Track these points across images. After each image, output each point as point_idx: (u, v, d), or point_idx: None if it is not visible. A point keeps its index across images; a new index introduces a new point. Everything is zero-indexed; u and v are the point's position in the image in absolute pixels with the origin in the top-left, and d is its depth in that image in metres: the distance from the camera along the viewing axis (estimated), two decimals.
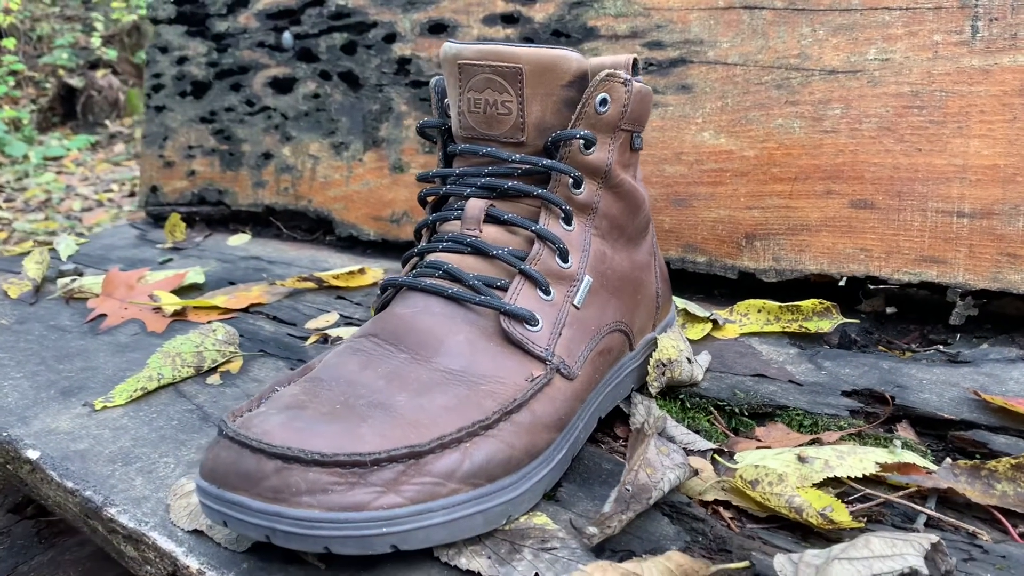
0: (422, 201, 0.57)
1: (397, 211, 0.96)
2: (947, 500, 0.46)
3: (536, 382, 0.47)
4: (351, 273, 0.90)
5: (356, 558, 0.41)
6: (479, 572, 0.41)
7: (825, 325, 0.66)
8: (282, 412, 0.42)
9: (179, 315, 0.82)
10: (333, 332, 0.74)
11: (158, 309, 0.83)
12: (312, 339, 0.75)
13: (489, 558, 0.42)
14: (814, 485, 0.47)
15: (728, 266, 0.73)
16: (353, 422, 0.41)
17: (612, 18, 0.78)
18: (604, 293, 0.53)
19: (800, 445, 0.52)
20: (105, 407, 0.62)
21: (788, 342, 0.66)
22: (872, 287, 0.70)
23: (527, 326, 0.48)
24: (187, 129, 1.20)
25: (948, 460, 0.48)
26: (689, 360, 0.59)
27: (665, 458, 0.47)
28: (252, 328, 0.79)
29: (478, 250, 0.51)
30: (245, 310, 0.85)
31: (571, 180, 0.52)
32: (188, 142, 1.21)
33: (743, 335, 0.68)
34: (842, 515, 0.43)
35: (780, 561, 0.38)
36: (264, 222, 1.16)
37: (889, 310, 0.70)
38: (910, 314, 0.69)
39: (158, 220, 1.28)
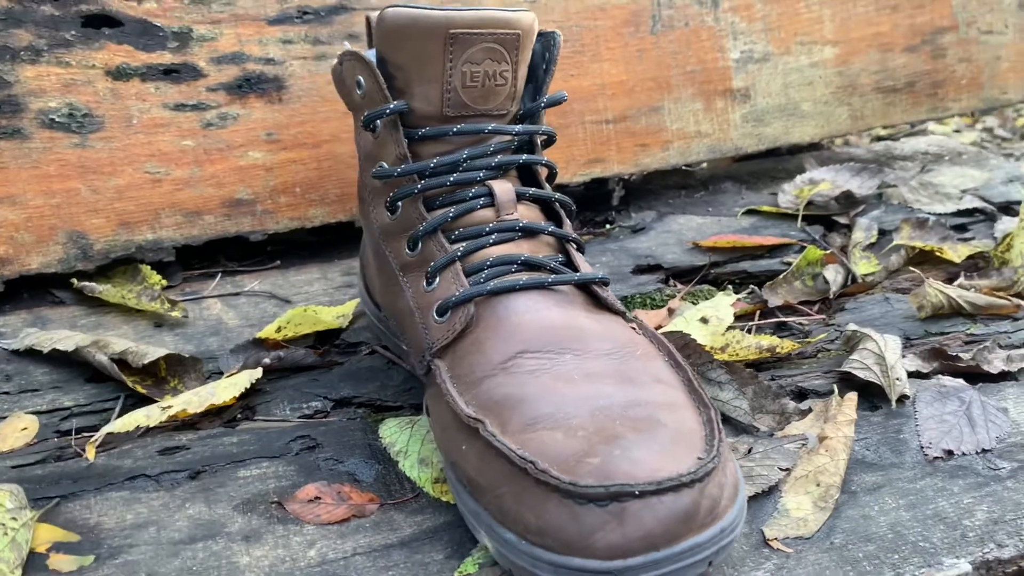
0: (393, 207, 0.48)
1: None
2: (770, 311, 0.68)
3: (642, 329, 0.50)
4: None
5: None
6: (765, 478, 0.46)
7: None
8: (617, 448, 0.38)
9: None
10: (108, 428, 0.51)
11: None
12: (90, 448, 0.51)
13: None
14: (722, 333, 0.63)
15: None
16: (656, 426, 0.40)
17: None
18: None
19: (681, 316, 0.66)
20: None
21: None
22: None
23: (606, 288, 0.50)
24: None
25: (753, 287, 0.70)
26: None
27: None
28: None
29: (528, 232, 0.49)
30: None
31: (542, 140, 0.53)
32: None
33: None
34: (785, 340, 0.61)
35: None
36: None
37: None
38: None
39: None
